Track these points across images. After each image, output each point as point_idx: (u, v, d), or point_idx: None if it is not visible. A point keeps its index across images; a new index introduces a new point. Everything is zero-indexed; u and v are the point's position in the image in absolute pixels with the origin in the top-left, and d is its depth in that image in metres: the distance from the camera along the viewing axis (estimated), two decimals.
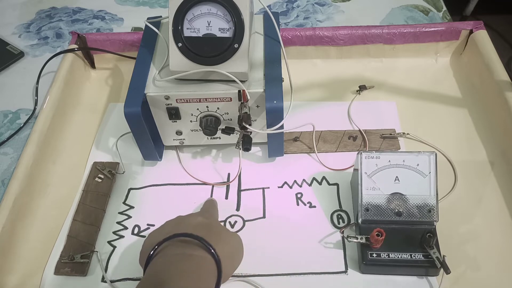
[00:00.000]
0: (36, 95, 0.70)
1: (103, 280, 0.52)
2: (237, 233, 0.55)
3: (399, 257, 0.49)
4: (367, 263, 0.49)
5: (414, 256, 0.49)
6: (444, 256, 0.48)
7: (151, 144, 0.57)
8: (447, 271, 0.47)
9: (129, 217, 0.58)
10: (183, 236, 0.43)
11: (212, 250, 0.42)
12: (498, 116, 0.64)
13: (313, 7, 0.85)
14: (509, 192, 0.57)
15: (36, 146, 0.60)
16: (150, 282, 0.40)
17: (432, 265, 0.48)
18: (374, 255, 0.49)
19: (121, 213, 0.58)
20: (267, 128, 0.54)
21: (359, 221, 0.51)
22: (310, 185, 0.60)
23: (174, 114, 0.56)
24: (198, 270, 0.41)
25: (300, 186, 0.60)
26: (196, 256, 0.42)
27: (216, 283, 0.42)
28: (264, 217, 0.57)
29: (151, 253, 0.43)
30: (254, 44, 0.58)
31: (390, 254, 0.49)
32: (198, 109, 0.55)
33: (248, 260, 0.50)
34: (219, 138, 0.60)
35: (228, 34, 0.51)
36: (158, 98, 0.54)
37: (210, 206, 0.55)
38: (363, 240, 0.50)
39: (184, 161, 0.63)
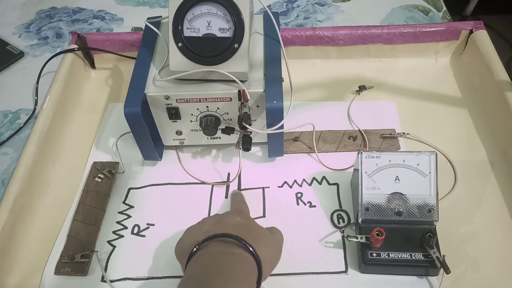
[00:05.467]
0: (36, 95, 0.70)
1: (103, 279, 0.52)
2: None
3: (399, 256, 0.49)
4: (367, 262, 0.49)
5: (414, 256, 0.49)
6: (444, 256, 0.48)
7: (151, 144, 0.57)
8: (447, 271, 0.47)
9: (129, 216, 0.58)
10: (224, 237, 0.43)
11: (252, 250, 0.42)
12: (498, 116, 0.64)
13: (313, 7, 0.85)
14: (509, 192, 0.57)
15: (36, 146, 0.60)
16: (196, 279, 0.40)
17: (432, 265, 0.48)
18: (374, 254, 0.49)
19: (121, 212, 0.58)
20: (267, 128, 0.54)
21: (359, 220, 0.51)
22: (310, 185, 0.60)
23: (174, 114, 0.56)
24: (241, 268, 0.41)
25: (300, 186, 0.60)
26: (238, 254, 0.42)
27: (256, 282, 0.42)
28: (264, 216, 0.57)
29: (193, 250, 0.43)
30: (254, 44, 0.58)
31: (390, 254, 0.49)
32: (198, 109, 0.55)
33: None
34: (219, 138, 0.60)
35: (228, 34, 0.51)
36: (158, 98, 0.54)
37: (242, 204, 0.54)
38: (363, 240, 0.50)
39: (184, 161, 0.63)
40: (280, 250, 0.49)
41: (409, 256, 0.49)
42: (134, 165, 0.63)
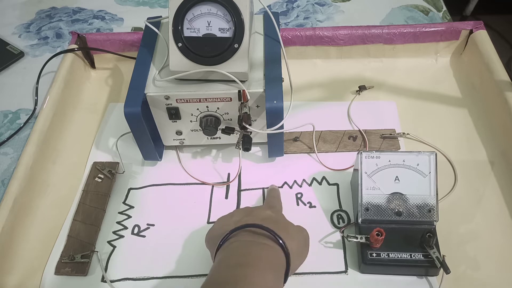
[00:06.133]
0: (36, 95, 0.70)
1: (103, 280, 0.52)
2: None
3: (399, 257, 0.49)
4: (367, 262, 0.49)
5: (414, 256, 0.49)
6: (444, 256, 0.48)
7: (151, 144, 0.57)
8: (447, 271, 0.47)
9: (129, 217, 0.58)
10: (254, 227, 0.44)
11: (282, 242, 0.43)
12: (498, 116, 0.64)
13: (313, 7, 0.85)
14: (509, 192, 0.57)
15: (36, 146, 0.60)
16: (226, 263, 0.41)
17: (432, 265, 0.48)
18: (374, 254, 0.49)
19: (121, 213, 0.58)
20: (267, 128, 0.54)
21: (359, 220, 0.51)
22: (310, 185, 0.60)
23: (174, 114, 0.56)
24: (270, 258, 0.42)
25: (300, 186, 0.60)
26: (268, 245, 0.43)
27: (285, 274, 0.42)
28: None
29: (224, 238, 0.44)
30: (254, 44, 0.58)
31: (390, 254, 0.49)
32: (198, 109, 0.55)
33: None
34: (219, 138, 0.60)
35: (228, 34, 0.51)
36: (158, 98, 0.54)
37: (275, 199, 0.55)
38: (363, 240, 0.50)
39: (184, 161, 0.63)
40: (307, 246, 0.49)
41: (409, 256, 0.49)
42: (134, 165, 0.63)
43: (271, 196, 0.56)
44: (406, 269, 0.50)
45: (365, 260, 0.49)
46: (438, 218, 0.50)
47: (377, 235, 0.48)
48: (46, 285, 0.52)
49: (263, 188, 0.60)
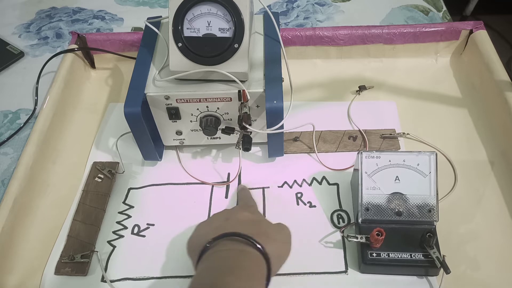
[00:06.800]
0: (36, 95, 0.70)
1: (103, 280, 0.52)
2: None
3: (399, 257, 0.49)
4: (367, 262, 0.49)
5: (414, 256, 0.49)
6: (444, 256, 0.48)
7: (151, 144, 0.57)
8: (447, 271, 0.47)
9: (129, 216, 0.58)
10: (233, 236, 0.44)
11: (261, 248, 0.43)
12: (498, 116, 0.64)
13: (313, 7, 0.85)
14: (509, 192, 0.57)
15: (36, 146, 0.60)
16: (206, 277, 0.41)
17: (432, 265, 0.48)
18: (374, 254, 0.49)
19: (121, 212, 0.58)
20: (267, 128, 0.54)
21: (359, 220, 0.51)
22: (310, 185, 0.60)
23: (174, 114, 0.56)
24: (250, 265, 0.42)
25: (300, 186, 0.60)
26: (247, 252, 0.43)
27: (266, 278, 0.42)
28: (264, 216, 0.57)
29: (203, 248, 0.44)
30: (254, 44, 0.58)
31: (390, 254, 0.49)
32: (198, 109, 0.55)
33: None
34: (219, 138, 0.60)
35: (228, 34, 0.51)
36: (158, 98, 0.54)
37: (248, 198, 0.55)
38: (363, 240, 0.50)
39: (184, 161, 0.63)
40: (289, 244, 0.49)
41: (409, 256, 0.49)
42: (134, 165, 0.63)
43: (244, 196, 0.56)
44: (406, 269, 0.50)
45: (365, 260, 0.49)
46: (438, 218, 0.50)
47: (377, 235, 0.48)
48: (46, 285, 0.52)
49: (263, 188, 0.60)
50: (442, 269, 0.48)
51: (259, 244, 0.43)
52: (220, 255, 0.43)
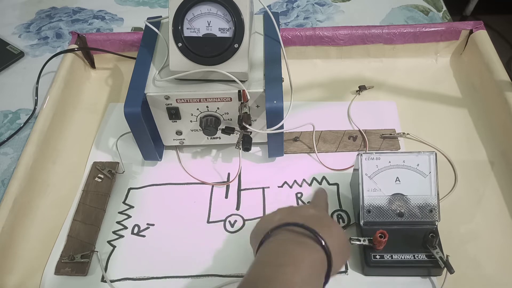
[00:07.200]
0: (36, 95, 0.70)
1: (103, 280, 0.52)
2: (237, 232, 0.55)
3: (402, 258, 0.49)
4: (371, 265, 0.49)
5: (417, 256, 0.49)
6: (447, 255, 0.48)
7: (151, 144, 0.57)
8: (451, 270, 0.47)
9: (129, 216, 0.58)
10: (295, 226, 0.43)
11: (323, 243, 0.42)
12: (498, 116, 0.64)
13: (313, 7, 0.85)
14: (509, 192, 0.57)
15: (36, 146, 0.60)
16: (264, 263, 0.40)
17: (435, 265, 0.48)
18: (378, 257, 0.49)
19: (121, 212, 0.58)
20: (267, 128, 0.54)
21: (361, 223, 0.51)
22: (310, 185, 0.60)
23: (174, 114, 0.56)
24: (309, 257, 0.41)
25: (300, 186, 0.60)
26: (307, 244, 0.42)
27: (325, 275, 0.41)
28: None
29: (265, 236, 0.43)
30: (254, 44, 0.58)
31: (393, 256, 0.49)
32: (198, 109, 0.55)
33: (248, 259, 0.50)
34: (219, 138, 0.60)
35: (228, 34, 0.51)
36: (158, 98, 0.54)
37: (321, 199, 0.54)
38: (366, 242, 0.49)
39: (184, 161, 0.63)
40: (349, 246, 0.47)
41: (412, 257, 0.49)
42: (134, 165, 0.63)
43: (316, 196, 0.55)
44: (410, 270, 0.50)
45: (369, 262, 0.49)
46: (439, 218, 0.50)
47: (381, 237, 0.48)
48: (46, 285, 0.52)
49: (263, 188, 0.60)
50: (445, 269, 0.48)
51: (321, 237, 0.42)
52: (278, 244, 0.42)
